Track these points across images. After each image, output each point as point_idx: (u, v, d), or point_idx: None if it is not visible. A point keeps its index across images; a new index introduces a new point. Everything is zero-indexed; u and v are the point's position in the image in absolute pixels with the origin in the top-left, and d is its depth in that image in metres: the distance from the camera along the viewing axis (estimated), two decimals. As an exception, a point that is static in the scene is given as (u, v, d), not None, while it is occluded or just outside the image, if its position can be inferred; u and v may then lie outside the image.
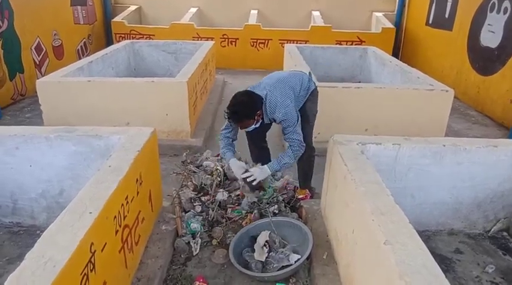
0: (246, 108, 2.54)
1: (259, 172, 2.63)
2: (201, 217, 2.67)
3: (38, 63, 6.05)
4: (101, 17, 8.51)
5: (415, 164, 2.47)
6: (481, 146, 2.47)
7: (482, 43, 5.54)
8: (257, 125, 2.66)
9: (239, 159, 2.87)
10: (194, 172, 3.02)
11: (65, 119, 3.74)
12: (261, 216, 2.67)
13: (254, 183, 2.62)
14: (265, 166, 2.66)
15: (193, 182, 2.89)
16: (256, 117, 2.59)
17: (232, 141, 2.82)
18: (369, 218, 1.71)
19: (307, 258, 2.32)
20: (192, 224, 2.58)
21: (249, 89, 2.70)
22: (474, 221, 2.69)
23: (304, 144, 2.70)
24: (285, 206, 2.83)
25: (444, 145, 2.46)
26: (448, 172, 2.50)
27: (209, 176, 2.93)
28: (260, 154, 3.22)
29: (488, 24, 5.42)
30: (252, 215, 2.66)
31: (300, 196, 2.96)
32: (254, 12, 8.66)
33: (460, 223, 2.70)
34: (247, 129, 2.68)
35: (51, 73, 4.08)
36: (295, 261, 2.27)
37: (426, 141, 2.51)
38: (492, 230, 2.69)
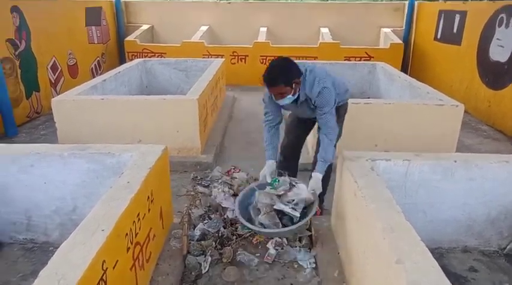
0: (283, 72, 2.40)
1: (315, 184, 2.45)
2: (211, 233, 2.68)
3: (53, 81, 6.20)
4: (114, 36, 8.73)
5: (426, 180, 2.45)
6: (492, 162, 2.45)
7: (491, 57, 5.53)
8: (295, 96, 2.48)
9: (279, 174, 2.69)
10: (202, 193, 3.04)
11: (79, 136, 3.82)
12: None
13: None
14: (314, 173, 2.49)
15: (201, 203, 2.92)
16: (293, 85, 2.42)
17: (276, 125, 2.69)
18: (380, 236, 1.70)
19: (319, 276, 2.31)
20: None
21: None
22: (488, 238, 2.64)
23: (338, 131, 2.56)
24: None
25: (455, 161, 2.44)
26: (459, 189, 2.48)
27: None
28: (288, 165, 3.01)
29: (497, 39, 5.42)
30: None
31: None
32: (263, 29, 8.80)
33: (474, 240, 2.66)
34: (283, 102, 2.50)
35: (66, 92, 4.18)
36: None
37: (437, 156, 2.50)
38: (508, 247, 2.64)
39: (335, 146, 2.56)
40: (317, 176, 2.48)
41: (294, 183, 2.52)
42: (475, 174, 2.45)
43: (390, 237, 1.66)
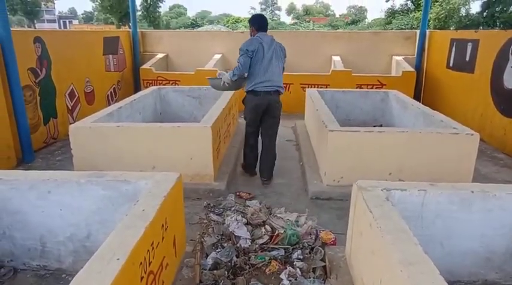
0: (251, 17, 4.26)
1: (225, 76, 4.06)
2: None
3: (70, 108, 6.37)
4: (130, 65, 8.98)
5: (443, 211, 2.41)
6: (511, 193, 2.40)
7: (506, 85, 5.51)
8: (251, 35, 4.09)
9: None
10: (215, 221, 3.04)
11: (94, 162, 3.88)
12: (285, 263, 2.63)
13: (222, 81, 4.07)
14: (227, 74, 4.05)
15: (214, 231, 2.91)
16: (250, 29, 4.11)
17: None
18: (397, 269, 1.67)
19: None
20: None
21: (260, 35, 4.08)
22: (509, 272, 2.55)
23: (243, 73, 3.96)
24: (309, 252, 2.78)
25: (472, 192, 2.40)
26: (477, 220, 2.42)
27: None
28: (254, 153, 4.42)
29: (511, 67, 5.42)
30: (277, 261, 2.63)
31: (324, 240, 2.90)
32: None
33: (494, 273, 2.57)
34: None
35: (83, 119, 4.28)
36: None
37: (453, 187, 2.46)
38: (529, 282, 2.55)
39: (234, 75, 3.95)
40: (226, 75, 4.05)
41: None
42: (493, 205, 2.40)
43: (408, 270, 1.63)
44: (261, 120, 4.18)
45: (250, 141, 4.33)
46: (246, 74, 4.01)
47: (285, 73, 7.87)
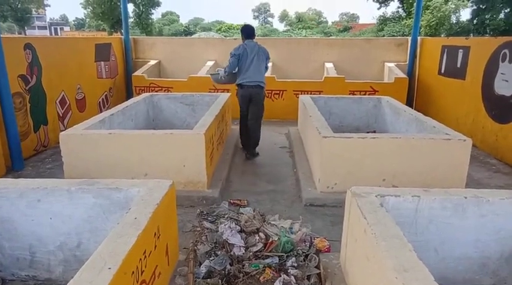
0: (242, 28, 5.43)
1: (221, 71, 5.28)
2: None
3: (61, 115, 6.31)
4: (122, 71, 8.94)
5: (436, 216, 2.41)
6: (504, 198, 2.41)
7: (496, 92, 5.58)
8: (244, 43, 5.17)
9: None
10: (208, 228, 3.00)
11: (85, 170, 3.83)
12: (279, 270, 2.61)
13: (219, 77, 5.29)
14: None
15: (208, 239, 2.87)
16: (241, 37, 5.26)
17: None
18: (392, 275, 1.65)
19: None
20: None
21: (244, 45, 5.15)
22: (504, 277, 2.55)
23: (231, 71, 5.15)
24: (304, 260, 2.76)
25: (466, 197, 2.40)
26: (471, 225, 2.42)
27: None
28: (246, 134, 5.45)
29: (502, 73, 5.49)
30: (271, 269, 2.60)
31: (319, 247, 2.88)
32: (269, 64, 8.97)
33: (489, 279, 2.56)
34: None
35: (75, 126, 4.23)
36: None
37: (446, 192, 2.46)
38: (524, 287, 2.55)
39: (225, 72, 5.18)
40: (221, 70, 5.31)
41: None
42: (487, 210, 2.41)
43: (403, 277, 1.62)
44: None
45: (243, 122, 5.43)
46: (236, 71, 5.14)
47: (278, 80, 8.00)
